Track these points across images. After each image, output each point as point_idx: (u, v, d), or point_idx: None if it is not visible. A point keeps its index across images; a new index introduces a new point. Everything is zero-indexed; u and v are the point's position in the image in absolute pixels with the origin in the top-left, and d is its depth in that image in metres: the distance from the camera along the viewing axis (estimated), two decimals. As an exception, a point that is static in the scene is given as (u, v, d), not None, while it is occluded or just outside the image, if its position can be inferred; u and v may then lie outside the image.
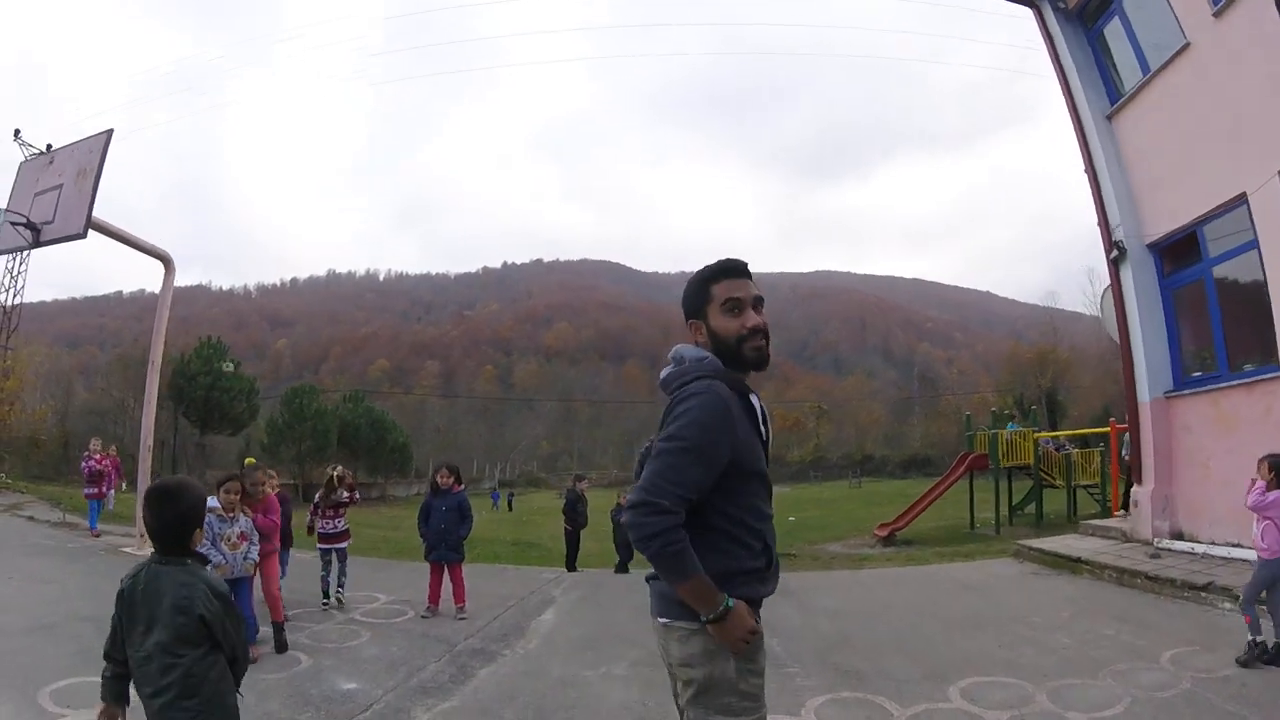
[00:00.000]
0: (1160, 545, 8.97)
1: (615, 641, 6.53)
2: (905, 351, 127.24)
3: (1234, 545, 8.01)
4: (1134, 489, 10.06)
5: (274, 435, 50.94)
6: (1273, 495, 5.26)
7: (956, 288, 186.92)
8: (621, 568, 11.90)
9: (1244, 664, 5.16)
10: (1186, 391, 9.48)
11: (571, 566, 12.37)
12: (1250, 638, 5.22)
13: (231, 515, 5.84)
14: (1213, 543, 8.47)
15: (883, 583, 9.38)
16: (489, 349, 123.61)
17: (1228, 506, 8.08)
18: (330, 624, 7.12)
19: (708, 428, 2.08)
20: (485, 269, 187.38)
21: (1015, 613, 7.19)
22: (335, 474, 8.29)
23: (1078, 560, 9.01)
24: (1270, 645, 5.17)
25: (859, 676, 5.38)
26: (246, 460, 7.55)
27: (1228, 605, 6.64)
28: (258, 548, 6.04)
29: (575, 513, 13.31)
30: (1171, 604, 7.19)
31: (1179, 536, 9.07)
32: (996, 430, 20.19)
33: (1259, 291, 8.21)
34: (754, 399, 2.28)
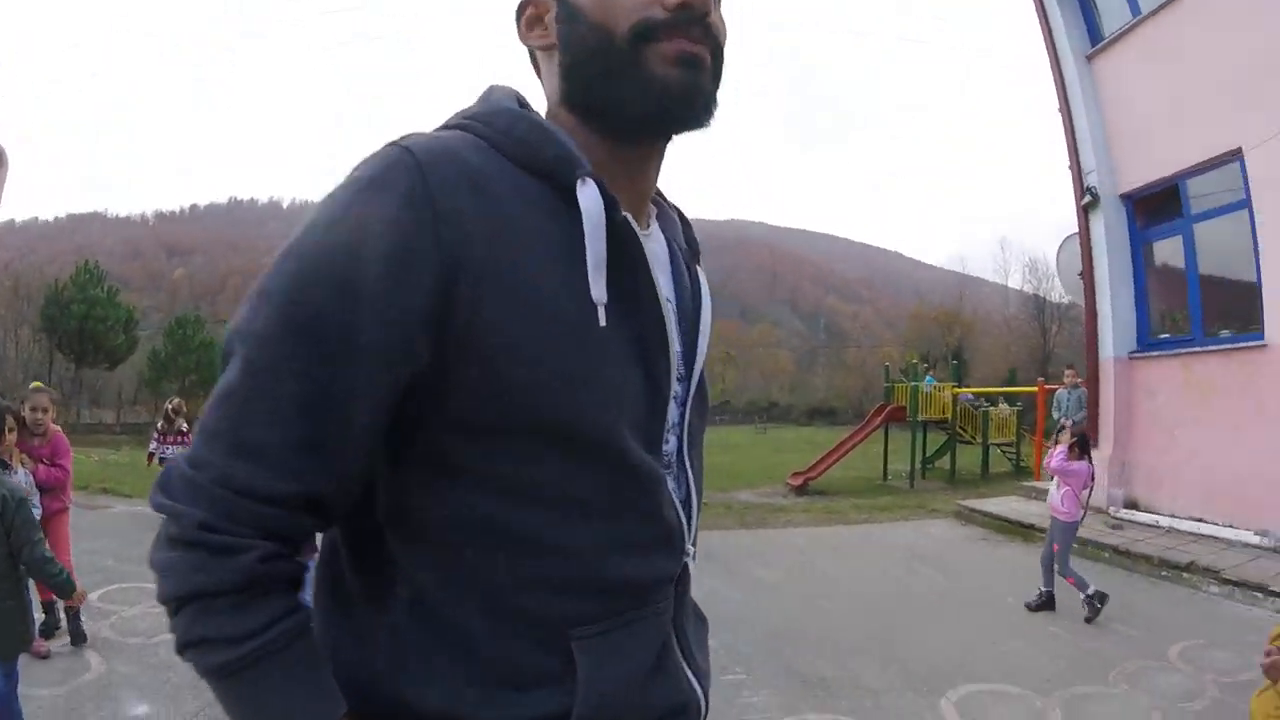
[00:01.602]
0: (1118, 515, 8.24)
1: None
2: (813, 304, 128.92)
3: (1199, 520, 7.47)
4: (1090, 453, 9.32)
5: (155, 368, 47.14)
6: (1075, 464, 5.63)
7: (868, 246, 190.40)
8: None
9: (1089, 620, 5.31)
10: (1153, 353, 8.80)
11: None
12: (1083, 595, 5.40)
13: (8, 463, 4.03)
14: (1175, 515, 7.87)
15: (821, 547, 8.28)
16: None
17: (1195, 478, 7.75)
18: (147, 604, 5.26)
19: (319, 269, 0.72)
20: None
21: (984, 591, 6.22)
22: (171, 406, 8.08)
23: (1030, 527, 8.21)
24: (1048, 595, 5.62)
25: (825, 687, 4.18)
26: (33, 384, 5.70)
27: (1215, 588, 6.07)
28: (39, 509, 4.22)
29: None
30: (1152, 585, 6.38)
31: (1134, 506, 8.41)
32: (917, 383, 19.66)
33: (1244, 254, 7.58)
34: (583, 194, 0.79)
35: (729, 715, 3.83)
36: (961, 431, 19.47)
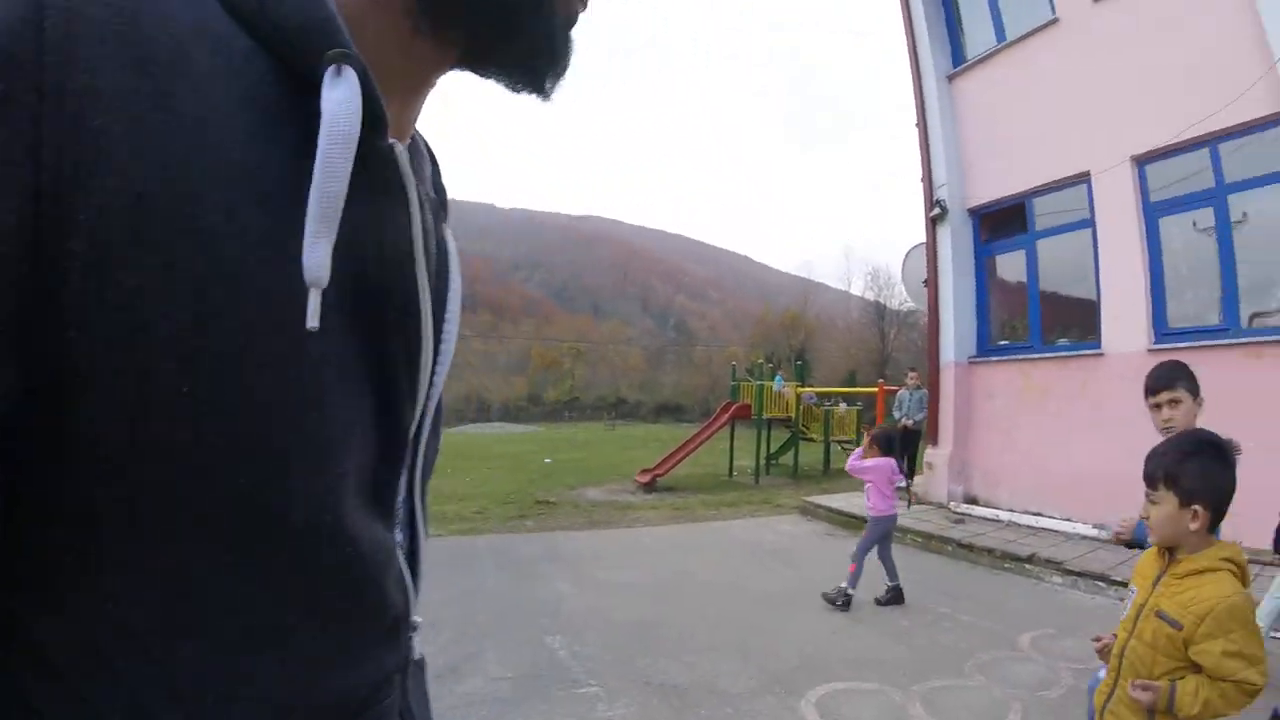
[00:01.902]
0: (959, 510, 8.58)
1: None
2: (663, 303, 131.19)
3: (1036, 514, 7.85)
4: (929, 451, 9.71)
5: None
6: (869, 462, 5.85)
7: (719, 248, 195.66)
8: None
9: (832, 601, 5.59)
10: (993, 358, 9.27)
11: None
12: (846, 586, 5.62)
13: None
14: (1013, 510, 8.28)
15: (671, 546, 8.13)
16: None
17: (1032, 475, 8.18)
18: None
19: None
20: None
21: (833, 586, 6.17)
22: None
23: (873, 522, 8.35)
24: (895, 589, 5.76)
25: (680, 694, 3.95)
26: None
27: (1058, 579, 6.31)
28: None
29: None
30: (995, 576, 6.60)
31: (974, 501, 8.81)
32: (763, 383, 20.15)
33: (1083, 269, 8.10)
34: (332, 88, 0.44)
35: (583, 729, 3.55)
36: (805, 429, 20.13)
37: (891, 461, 5.94)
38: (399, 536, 0.60)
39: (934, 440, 9.53)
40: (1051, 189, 8.52)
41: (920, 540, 7.62)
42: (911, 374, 12.22)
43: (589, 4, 0.60)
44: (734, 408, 20.25)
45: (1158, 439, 2.41)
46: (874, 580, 5.90)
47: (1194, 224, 7.24)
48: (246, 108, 0.43)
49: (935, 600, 5.80)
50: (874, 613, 5.53)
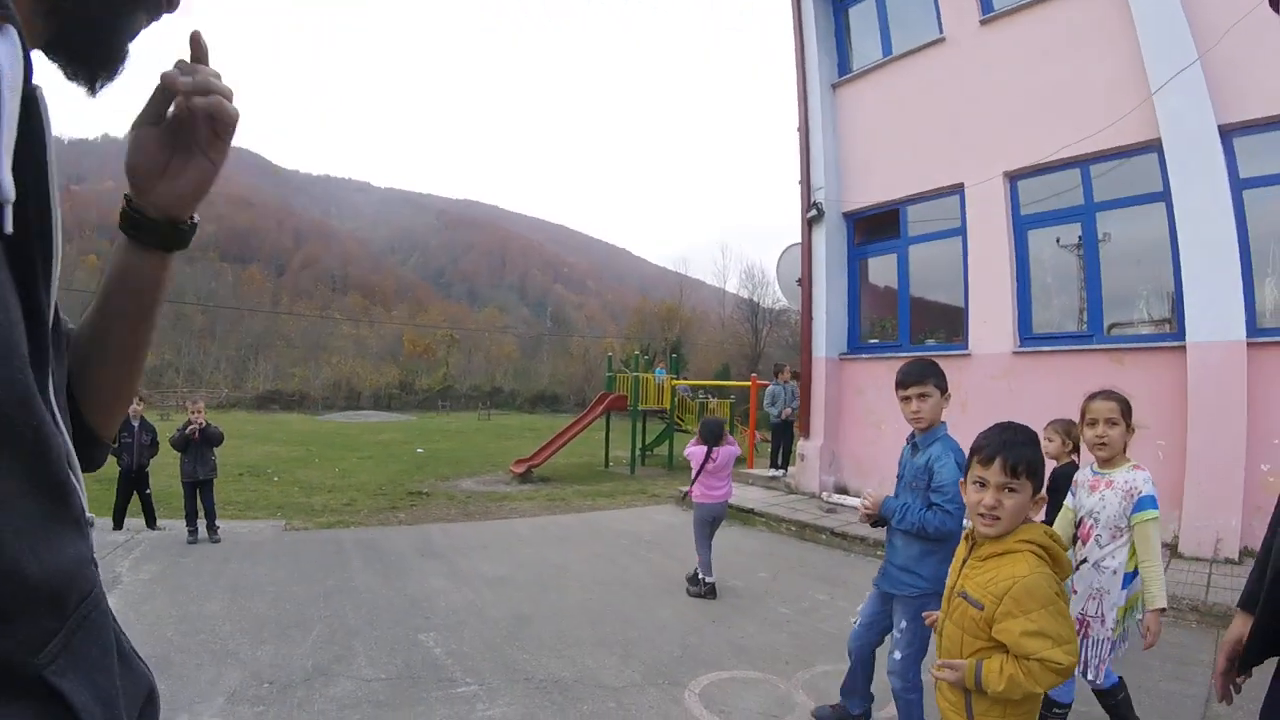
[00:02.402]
0: (831, 500, 8.86)
1: (201, 658, 4.33)
2: (540, 291, 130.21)
3: None
4: (801, 443, 9.99)
5: None
6: (691, 449, 6.07)
7: (597, 240, 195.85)
8: (208, 527, 7.72)
9: (698, 592, 5.72)
10: (864, 355, 9.62)
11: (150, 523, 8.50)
12: (701, 575, 5.81)
13: None
14: None
15: (547, 537, 8.03)
16: (96, 235, 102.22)
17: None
18: None
19: None
20: (106, 137, 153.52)
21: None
22: None
23: (750, 511, 8.56)
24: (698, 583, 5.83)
25: (561, 688, 3.88)
26: None
27: None
28: None
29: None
30: (870, 564, 6.80)
31: (844, 491, 9.13)
32: (640, 374, 20.31)
33: (954, 276, 8.47)
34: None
35: (462, 729, 3.42)
36: (679, 421, 20.43)
37: (700, 450, 5.98)
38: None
39: (806, 433, 9.81)
40: (926, 197, 8.89)
41: (794, 529, 7.82)
42: (786, 367, 12.70)
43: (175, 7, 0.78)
44: (610, 399, 20.35)
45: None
46: (748, 568, 5.97)
47: (1058, 239, 7.75)
48: None
49: (813, 588, 5.96)
50: (754, 602, 5.61)
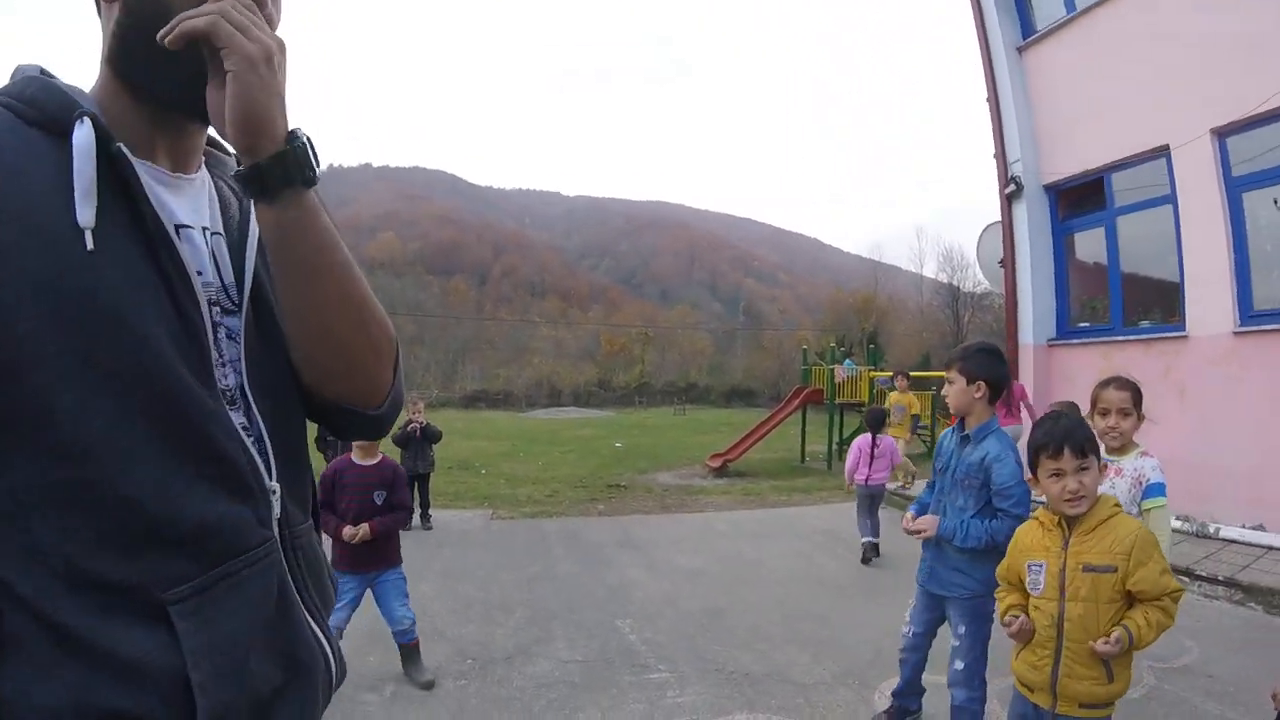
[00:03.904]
0: (1037, 500, 8.29)
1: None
2: (731, 287, 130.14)
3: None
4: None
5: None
6: (864, 438, 7.57)
7: (787, 231, 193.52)
8: (422, 516, 8.24)
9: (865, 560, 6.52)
10: (1074, 341, 8.91)
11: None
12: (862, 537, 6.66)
13: None
14: None
15: (742, 532, 8.08)
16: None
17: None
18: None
19: None
20: None
21: (907, 575, 6.04)
22: None
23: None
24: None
25: (752, 682, 3.92)
26: None
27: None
28: None
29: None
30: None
31: (1056, 488, 8.46)
32: (833, 366, 19.86)
33: (1166, 248, 7.69)
34: (78, 131, 0.81)
35: (656, 717, 3.55)
36: (879, 414, 19.77)
37: (864, 438, 7.05)
38: (239, 419, 0.89)
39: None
40: (1130, 163, 8.09)
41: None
42: None
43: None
44: (805, 392, 20.06)
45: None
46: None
47: (1276, 201, 6.80)
48: (38, 156, 0.78)
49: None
50: (952, 604, 5.38)
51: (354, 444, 3.94)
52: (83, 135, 0.78)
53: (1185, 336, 7.32)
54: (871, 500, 6.79)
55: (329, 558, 3.47)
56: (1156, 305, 8.16)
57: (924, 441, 18.97)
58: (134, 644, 0.73)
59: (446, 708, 3.68)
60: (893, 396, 10.69)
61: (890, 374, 22.10)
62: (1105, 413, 3.23)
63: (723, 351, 78.66)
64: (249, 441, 0.87)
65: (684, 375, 66.60)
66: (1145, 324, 8.13)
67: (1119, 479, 3.12)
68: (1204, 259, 7.20)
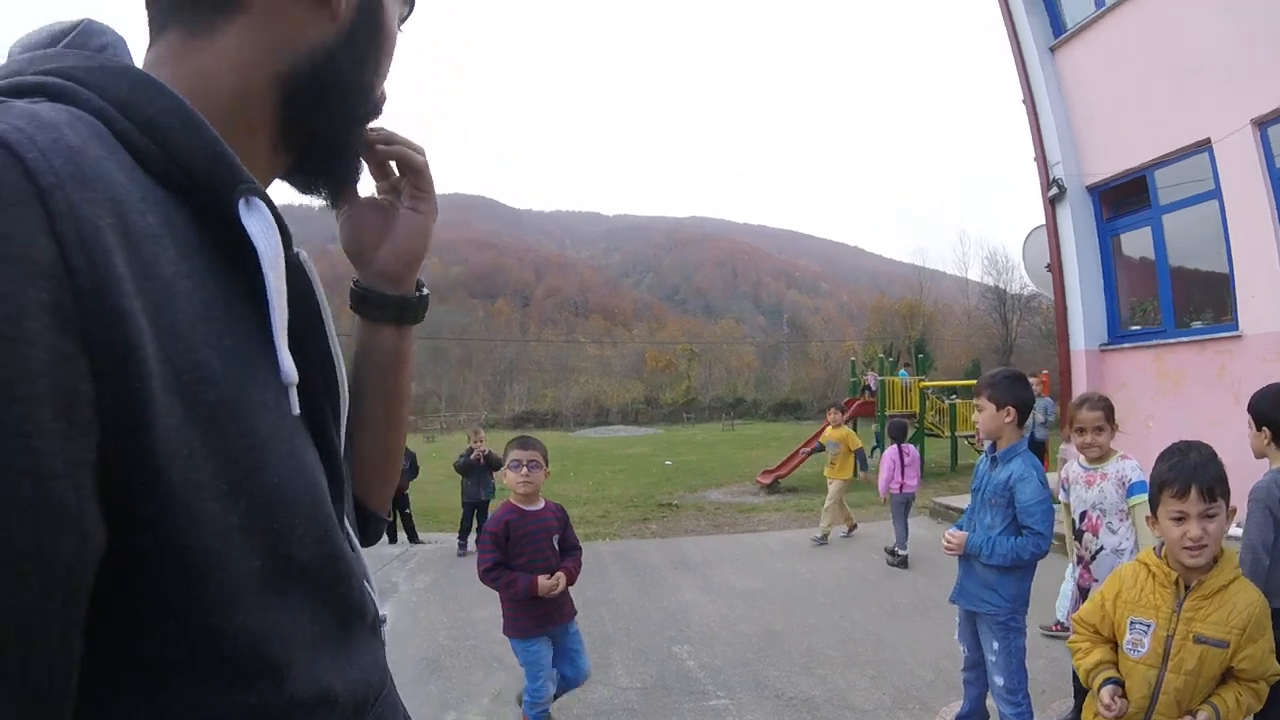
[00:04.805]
0: (1099, 506, 8.14)
1: (470, 661, 4.85)
2: (775, 299, 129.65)
3: None
4: (1063, 446, 9.21)
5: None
6: (892, 450, 7.75)
7: (827, 240, 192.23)
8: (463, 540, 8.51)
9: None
10: (1125, 345, 8.68)
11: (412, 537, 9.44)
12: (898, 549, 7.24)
13: None
14: None
15: (797, 551, 8.05)
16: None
17: None
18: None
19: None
20: None
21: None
22: None
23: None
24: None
25: (810, 708, 3.92)
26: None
27: None
28: None
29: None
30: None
31: (1108, 501, 8.27)
32: (884, 378, 19.62)
33: (1214, 245, 7.47)
34: (251, 219, 0.56)
35: (714, 744, 3.58)
36: (931, 425, 19.45)
37: (894, 449, 7.72)
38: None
39: (1067, 435, 9.05)
40: (1172, 159, 7.90)
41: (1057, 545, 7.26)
42: (1032, 378, 11.29)
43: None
44: (856, 404, 19.83)
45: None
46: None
47: None
48: (188, 255, 0.51)
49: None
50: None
51: (517, 485, 3.55)
52: (266, 238, 0.56)
53: (1239, 336, 7.12)
54: (907, 504, 7.46)
55: (504, 628, 3.48)
56: (1208, 305, 7.94)
57: (978, 451, 18.64)
58: None
59: (508, 738, 3.75)
60: (828, 433, 9.49)
61: (936, 383, 21.84)
62: (1082, 430, 3.56)
63: (769, 364, 78.25)
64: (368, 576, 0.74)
65: (731, 390, 66.36)
66: (1197, 324, 7.91)
67: (1105, 483, 3.47)
68: (1253, 255, 7.01)
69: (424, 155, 0.84)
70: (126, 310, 0.44)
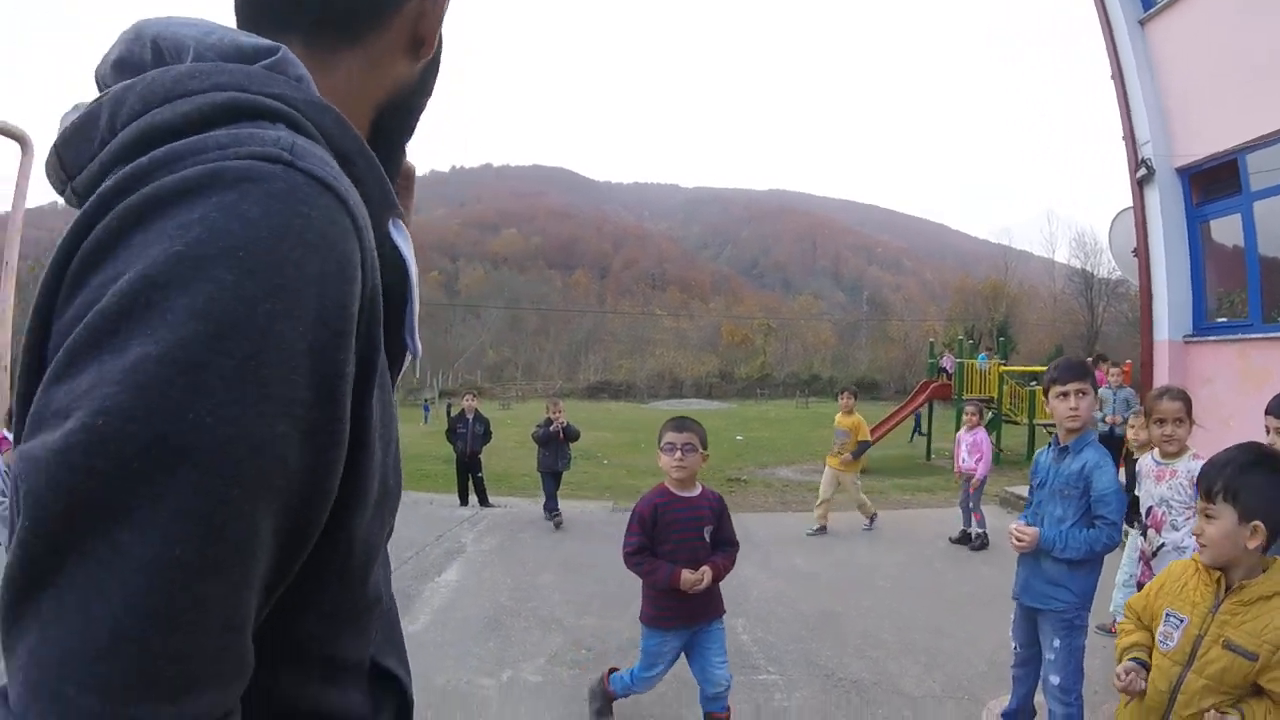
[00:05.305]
0: (1183, 505, 7.87)
1: (530, 622, 5.04)
2: (855, 275, 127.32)
3: None
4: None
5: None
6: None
7: (911, 216, 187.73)
8: (551, 506, 8.46)
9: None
10: (1211, 338, 8.28)
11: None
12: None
13: None
14: None
15: (859, 533, 8.05)
16: (435, 254, 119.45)
17: None
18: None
19: (275, 316, 0.51)
20: (433, 172, 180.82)
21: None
22: None
23: (1080, 516, 7.83)
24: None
25: (859, 690, 3.97)
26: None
27: None
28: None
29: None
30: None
31: (1185, 502, 7.97)
32: (963, 360, 19.14)
33: None
34: (400, 237, 0.72)
35: (764, 716, 3.67)
36: (1009, 412, 18.94)
37: (962, 431, 8.19)
38: None
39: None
40: (1266, 142, 7.44)
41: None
42: (1113, 369, 10.04)
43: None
44: (933, 386, 19.46)
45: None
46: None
47: None
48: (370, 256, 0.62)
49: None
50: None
51: (671, 469, 3.33)
52: (408, 252, 0.71)
53: (1328, 335, 6.74)
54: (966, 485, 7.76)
55: (641, 612, 3.35)
56: (1299, 300, 7.54)
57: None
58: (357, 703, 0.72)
59: (559, 696, 3.91)
60: (838, 419, 8.97)
61: (1018, 369, 21.15)
62: (1162, 422, 3.57)
63: (846, 342, 77.20)
64: None
65: (807, 367, 65.76)
66: (1286, 320, 7.50)
67: (1175, 481, 3.50)
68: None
69: (412, 163, 0.94)
70: (379, 318, 0.61)
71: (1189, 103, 8.41)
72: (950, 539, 7.52)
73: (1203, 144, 8.22)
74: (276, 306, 0.49)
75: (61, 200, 0.64)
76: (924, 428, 20.39)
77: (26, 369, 0.55)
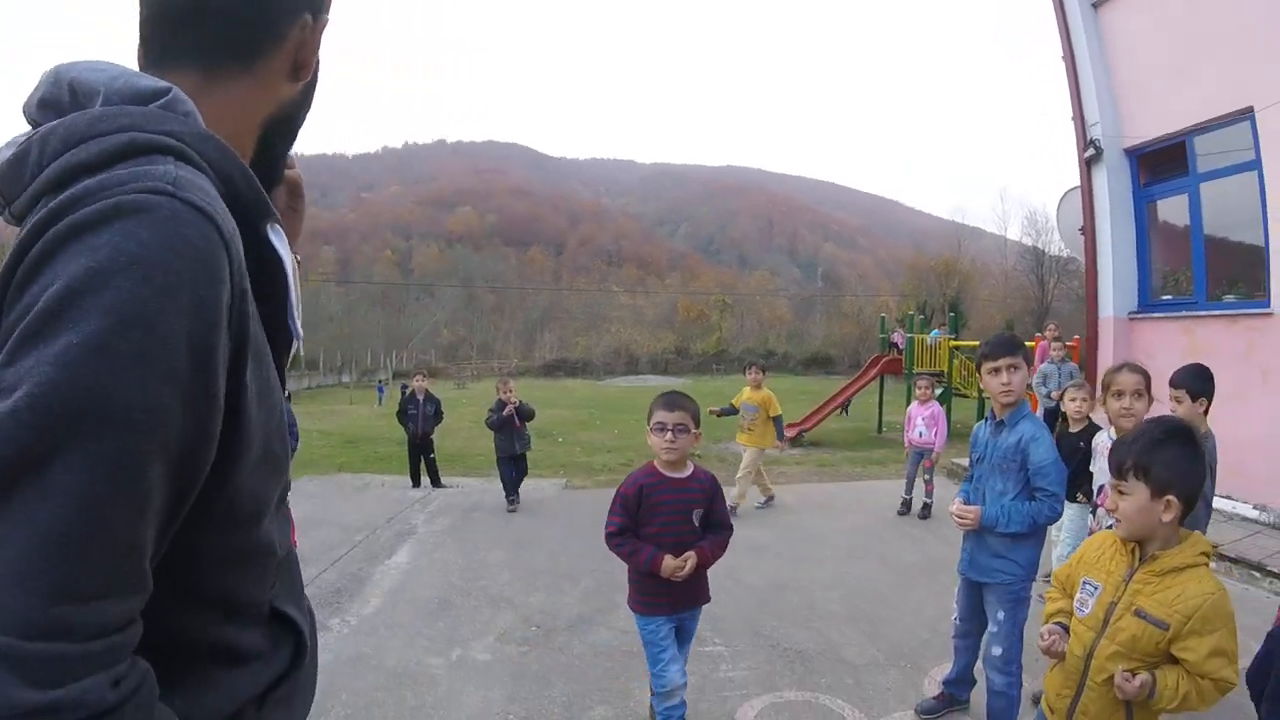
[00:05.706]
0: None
1: (479, 601, 5.03)
2: (810, 251, 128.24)
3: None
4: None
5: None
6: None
7: (867, 194, 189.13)
8: (509, 493, 8.12)
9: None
10: (1155, 314, 8.52)
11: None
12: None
13: None
14: None
15: (809, 505, 8.15)
16: (389, 233, 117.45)
17: None
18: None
19: (166, 314, 0.68)
20: (385, 149, 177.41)
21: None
22: None
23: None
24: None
25: (804, 661, 4.03)
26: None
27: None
28: None
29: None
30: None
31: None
32: (913, 335, 19.41)
33: (1252, 217, 7.26)
34: (277, 240, 0.89)
35: (706, 690, 3.71)
36: (959, 386, 19.29)
37: (915, 405, 8.41)
38: None
39: (1103, 402, 8.93)
40: (1212, 126, 7.62)
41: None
42: (1055, 344, 10.32)
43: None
44: (884, 361, 19.72)
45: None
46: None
47: None
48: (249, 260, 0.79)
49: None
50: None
51: (660, 450, 3.08)
52: (285, 252, 0.88)
53: (1270, 314, 6.94)
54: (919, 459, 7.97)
55: (629, 598, 3.26)
56: (1241, 279, 7.75)
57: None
58: (256, 641, 0.89)
59: (508, 671, 3.93)
60: (746, 394, 8.54)
61: (965, 343, 21.54)
62: (1120, 394, 3.46)
63: (802, 318, 77.65)
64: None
65: (762, 342, 65.99)
66: (1230, 299, 7.73)
67: None
68: (1288, 229, 6.84)
69: (298, 170, 1.12)
70: (250, 312, 0.77)
71: (1138, 86, 8.56)
72: (898, 512, 7.65)
73: (1152, 126, 8.39)
74: (163, 304, 0.66)
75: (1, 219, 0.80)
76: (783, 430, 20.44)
77: None
